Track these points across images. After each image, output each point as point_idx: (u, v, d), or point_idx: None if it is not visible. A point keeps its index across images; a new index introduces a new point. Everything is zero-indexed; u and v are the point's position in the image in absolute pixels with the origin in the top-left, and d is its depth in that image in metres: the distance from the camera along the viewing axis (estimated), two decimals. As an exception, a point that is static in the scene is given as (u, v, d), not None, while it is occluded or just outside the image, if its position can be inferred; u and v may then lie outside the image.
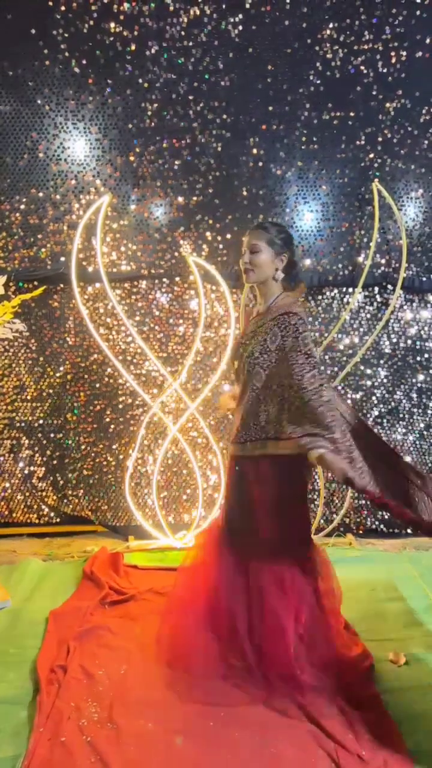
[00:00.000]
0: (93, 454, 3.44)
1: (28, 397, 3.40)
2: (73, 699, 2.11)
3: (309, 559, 2.16)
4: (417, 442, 3.50)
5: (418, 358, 3.43)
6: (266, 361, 2.05)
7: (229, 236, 3.23)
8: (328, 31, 3.07)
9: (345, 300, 3.34)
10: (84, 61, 3.05)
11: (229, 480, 2.24)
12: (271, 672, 2.08)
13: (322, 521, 3.43)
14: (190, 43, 3.05)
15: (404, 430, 3.48)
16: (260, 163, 3.18)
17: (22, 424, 3.41)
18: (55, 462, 3.46)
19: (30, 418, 3.41)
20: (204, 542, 2.30)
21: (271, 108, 3.13)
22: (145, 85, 3.08)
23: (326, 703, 2.04)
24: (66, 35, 3.02)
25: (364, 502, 3.51)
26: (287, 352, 2.01)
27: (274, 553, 2.10)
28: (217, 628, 2.15)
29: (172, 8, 3.00)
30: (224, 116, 3.13)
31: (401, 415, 3.47)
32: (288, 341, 2.01)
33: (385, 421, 3.48)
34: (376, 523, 3.52)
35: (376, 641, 2.39)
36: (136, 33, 3.03)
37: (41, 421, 3.42)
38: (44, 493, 3.49)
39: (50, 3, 2.98)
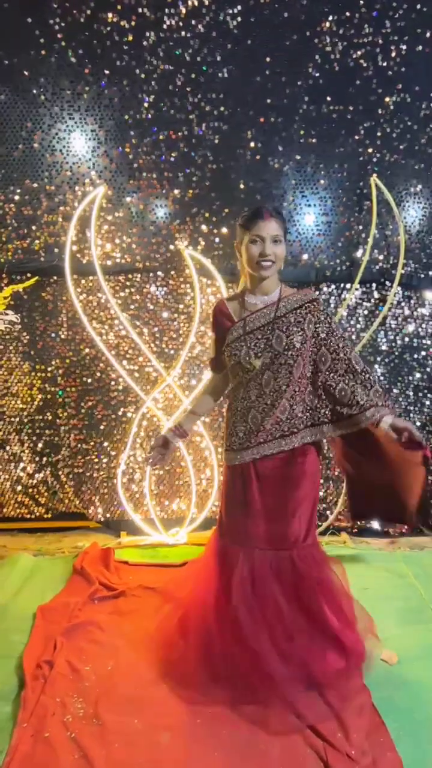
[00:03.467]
0: (84, 451, 3.41)
1: (19, 392, 3.36)
2: (59, 695, 2.09)
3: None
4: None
5: (415, 356, 3.40)
6: (306, 350, 1.99)
7: (225, 230, 3.20)
8: (328, 24, 3.04)
9: (342, 296, 3.31)
10: (81, 51, 3.02)
11: (251, 484, 2.08)
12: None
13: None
14: (188, 34, 3.02)
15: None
16: (258, 156, 3.15)
17: (13, 419, 3.38)
18: (46, 458, 3.42)
19: (21, 413, 3.38)
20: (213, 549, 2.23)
21: (269, 101, 3.10)
22: (142, 76, 3.05)
23: (316, 701, 2.01)
24: (63, 24, 2.99)
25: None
26: (324, 338, 2.00)
27: (299, 541, 2.08)
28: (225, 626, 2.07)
29: (170, -1, 2.98)
30: (222, 108, 3.09)
31: (398, 413, 3.44)
32: (322, 327, 2.01)
33: (381, 419, 3.44)
34: (371, 522, 3.48)
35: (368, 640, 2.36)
36: (133, 23, 2.99)
37: (32, 416, 3.38)
38: (35, 490, 3.45)
39: (47, -8, 2.95)
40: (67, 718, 1.98)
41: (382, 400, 1.96)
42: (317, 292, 2.04)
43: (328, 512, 3.42)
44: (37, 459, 3.42)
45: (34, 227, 3.18)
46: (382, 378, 3.40)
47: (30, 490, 3.46)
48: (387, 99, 3.13)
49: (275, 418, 2.00)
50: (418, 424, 3.45)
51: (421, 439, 1.91)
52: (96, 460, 3.42)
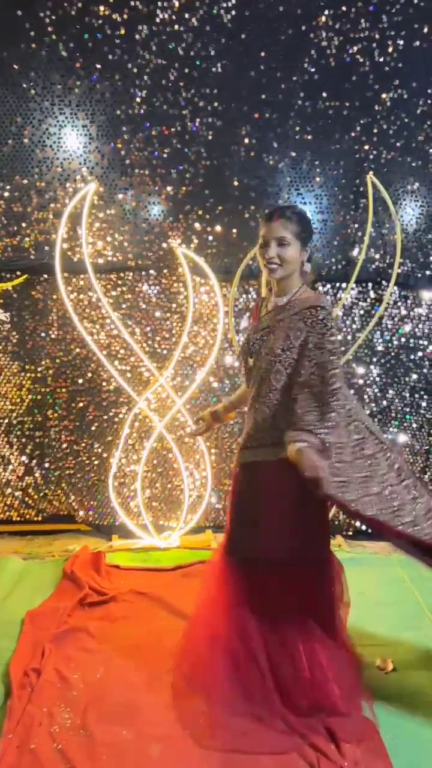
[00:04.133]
0: (75, 452, 3.35)
1: (8, 393, 3.30)
2: (46, 704, 2.03)
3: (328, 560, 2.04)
4: (409, 443, 3.42)
5: (412, 357, 3.35)
6: (288, 358, 1.85)
7: (219, 228, 3.15)
8: (324, 18, 2.99)
9: (338, 295, 3.26)
10: (72, 45, 2.96)
11: (243, 489, 2.01)
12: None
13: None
14: (181, 28, 2.96)
15: (396, 430, 3.40)
16: (252, 153, 3.09)
17: (2, 420, 3.32)
18: (36, 459, 3.37)
19: (10, 414, 3.32)
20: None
21: (263, 96, 3.04)
22: (135, 70, 2.99)
23: (309, 712, 1.96)
24: (53, 17, 2.93)
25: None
26: (310, 349, 1.80)
27: (296, 557, 1.95)
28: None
29: (163, -9, 2.92)
30: (215, 104, 3.04)
31: (393, 415, 3.40)
32: (312, 337, 1.81)
33: (376, 420, 3.40)
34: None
35: (363, 647, 2.31)
36: (125, 16, 2.93)
37: (22, 418, 3.32)
38: (25, 492, 3.40)
39: (37, -16, 2.89)
40: (54, 729, 1.93)
41: (325, 428, 1.75)
42: (326, 298, 1.81)
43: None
44: (26, 461, 3.36)
45: (24, 224, 3.12)
46: (377, 379, 3.36)
47: (19, 492, 3.40)
48: (384, 95, 3.08)
49: (258, 424, 1.92)
50: (414, 426, 3.41)
51: (314, 480, 1.70)
52: (87, 462, 3.36)
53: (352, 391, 3.23)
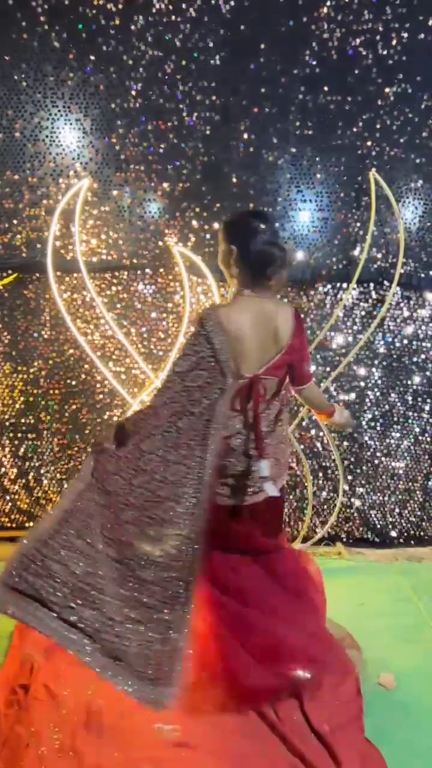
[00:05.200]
0: (68, 456, 3.27)
1: (0, 394, 3.22)
2: (34, 723, 1.95)
3: None
4: (411, 447, 3.35)
5: (415, 359, 3.27)
6: None
7: (216, 226, 3.06)
8: (325, 9, 2.90)
9: (339, 296, 3.18)
10: (65, 35, 2.86)
11: None
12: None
13: (312, 528, 3.27)
14: (179, 19, 2.86)
15: (398, 434, 3.32)
16: (251, 149, 3.00)
17: (-7, 422, 3.24)
18: (27, 463, 3.28)
19: (2, 416, 3.23)
20: None
21: (263, 90, 2.95)
22: (130, 62, 2.90)
23: (307, 730, 1.88)
24: (46, 7, 2.83)
25: (354, 513, 3.36)
26: None
27: None
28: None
29: (159, -20, 2.82)
30: (213, 97, 2.95)
31: (395, 419, 3.32)
32: None
33: (378, 424, 3.32)
34: (367, 532, 3.36)
35: (364, 662, 2.24)
36: (120, 6, 2.84)
37: (13, 420, 3.24)
38: (17, 496, 3.31)
39: (29, -28, 2.79)
40: (42, 751, 1.85)
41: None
42: (224, 307, 1.96)
43: (319, 520, 3.30)
44: (18, 464, 3.28)
45: (15, 221, 3.02)
46: (379, 382, 3.28)
47: (12, 496, 3.31)
48: (387, 89, 2.99)
49: None
50: (417, 430, 3.33)
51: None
52: (80, 465, 3.28)
53: (324, 386, 3.15)
